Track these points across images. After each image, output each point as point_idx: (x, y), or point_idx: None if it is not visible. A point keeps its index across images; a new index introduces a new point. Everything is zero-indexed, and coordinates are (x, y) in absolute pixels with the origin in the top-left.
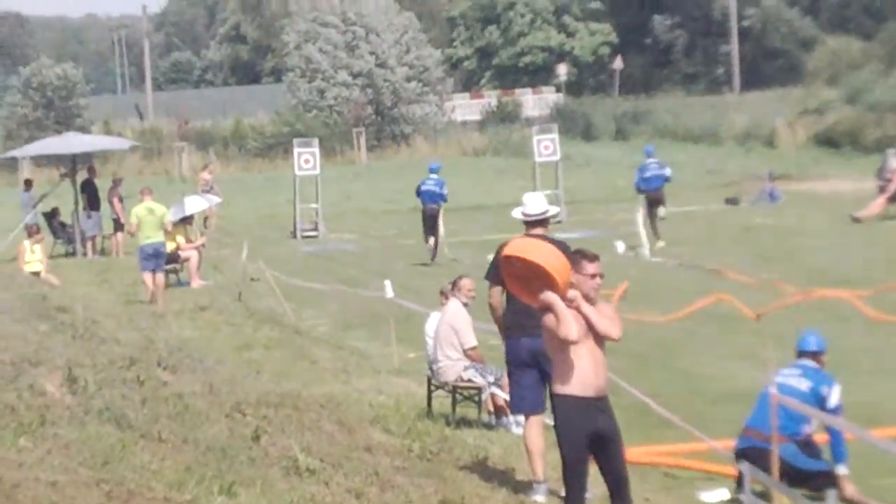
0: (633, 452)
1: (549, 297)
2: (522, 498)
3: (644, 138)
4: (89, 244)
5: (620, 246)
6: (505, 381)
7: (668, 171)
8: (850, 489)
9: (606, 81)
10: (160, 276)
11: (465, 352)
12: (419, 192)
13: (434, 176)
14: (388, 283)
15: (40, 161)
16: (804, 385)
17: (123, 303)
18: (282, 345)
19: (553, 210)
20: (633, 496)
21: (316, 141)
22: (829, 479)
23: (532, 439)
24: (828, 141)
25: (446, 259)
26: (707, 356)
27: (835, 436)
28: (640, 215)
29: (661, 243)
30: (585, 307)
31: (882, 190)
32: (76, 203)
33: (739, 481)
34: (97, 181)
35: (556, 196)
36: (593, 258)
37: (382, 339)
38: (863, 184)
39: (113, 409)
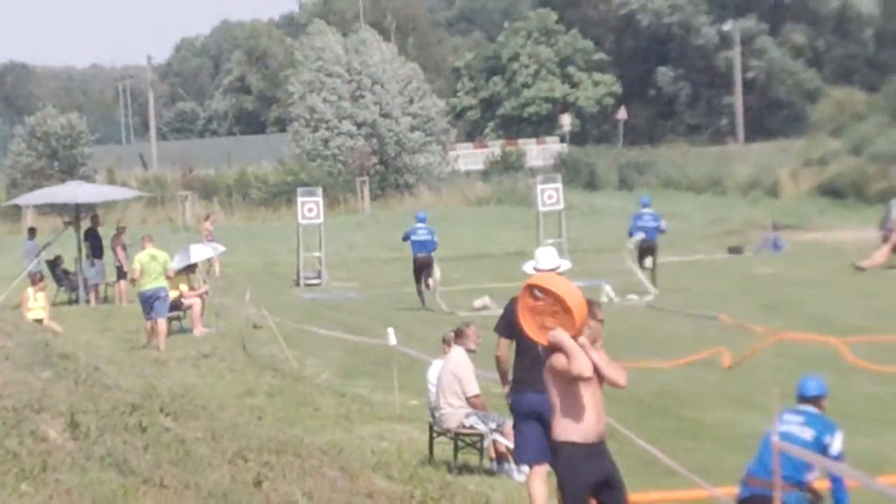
0: (637, 500)
1: (560, 334)
2: None
3: (648, 188)
4: (92, 292)
5: (610, 292)
6: (507, 428)
7: (663, 224)
8: None
9: (610, 132)
10: (162, 321)
11: (467, 399)
12: (409, 240)
13: (422, 225)
14: (391, 330)
15: (44, 209)
16: (807, 434)
17: (126, 350)
18: (284, 392)
19: (566, 265)
20: None
21: (319, 190)
22: None
23: (535, 488)
24: (831, 191)
25: (442, 308)
26: (710, 403)
27: (837, 483)
28: (635, 263)
29: (653, 288)
30: (594, 353)
31: (885, 240)
32: (79, 251)
33: None
34: (101, 229)
35: (559, 245)
36: (600, 305)
37: (385, 387)
38: (866, 234)
39: (115, 455)
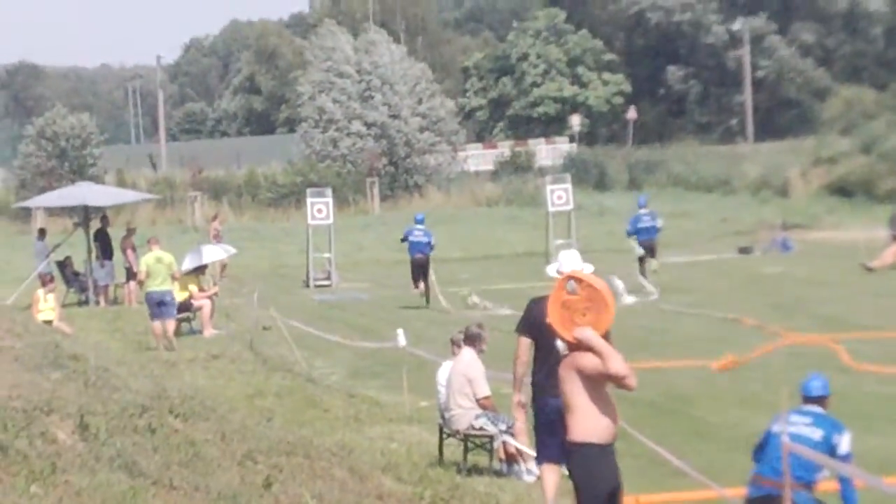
0: (646, 500)
1: (590, 333)
2: None
3: (657, 188)
4: (102, 294)
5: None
6: (517, 428)
7: (659, 222)
8: None
9: (620, 131)
10: (170, 323)
11: (478, 401)
12: (408, 242)
13: (421, 227)
14: (400, 331)
15: (54, 210)
16: (817, 434)
17: (135, 351)
18: (293, 393)
19: (588, 268)
20: None
21: (329, 191)
22: None
23: (547, 478)
24: (841, 190)
25: (444, 307)
26: (719, 403)
27: (845, 483)
28: (637, 265)
29: (650, 286)
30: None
31: (894, 239)
32: (89, 252)
33: None
34: (110, 230)
35: (569, 246)
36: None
37: (394, 388)
38: (876, 233)
39: (124, 457)
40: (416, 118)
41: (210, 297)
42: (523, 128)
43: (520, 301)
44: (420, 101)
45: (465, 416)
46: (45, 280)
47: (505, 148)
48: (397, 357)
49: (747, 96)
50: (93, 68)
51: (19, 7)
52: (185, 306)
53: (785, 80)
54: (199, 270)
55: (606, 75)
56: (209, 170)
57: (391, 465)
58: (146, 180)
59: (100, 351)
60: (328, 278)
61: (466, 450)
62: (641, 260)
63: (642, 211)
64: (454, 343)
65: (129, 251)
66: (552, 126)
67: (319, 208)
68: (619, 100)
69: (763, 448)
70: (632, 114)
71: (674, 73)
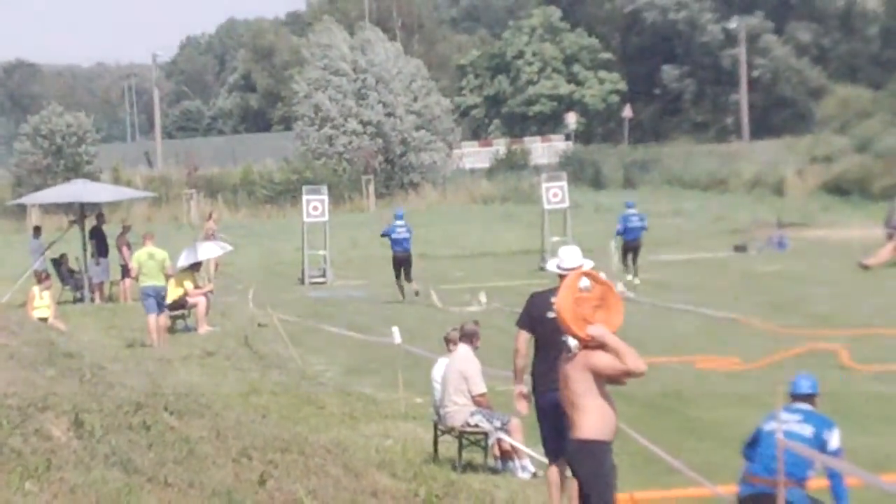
0: (640, 498)
1: (604, 330)
2: None
3: (653, 186)
4: (97, 291)
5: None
6: (512, 426)
7: (645, 222)
8: None
9: (615, 130)
10: (163, 318)
11: (473, 398)
12: (390, 238)
13: (401, 223)
14: (395, 328)
15: (49, 208)
16: (807, 431)
17: (130, 348)
18: (288, 390)
19: (588, 264)
20: None
21: (325, 188)
22: None
23: (551, 473)
24: (836, 189)
25: (437, 304)
26: (714, 402)
27: (835, 478)
28: (617, 258)
29: (638, 280)
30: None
31: (890, 237)
32: (84, 249)
33: None
34: (105, 228)
35: (565, 244)
36: None
37: (389, 385)
38: (871, 231)
39: (119, 454)
40: (411, 116)
41: (205, 295)
42: (519, 126)
43: (512, 298)
44: (415, 99)
45: (461, 412)
46: (41, 277)
47: (501, 146)
48: (392, 354)
49: (743, 95)
50: (89, 66)
51: (15, 5)
52: (181, 303)
53: (781, 79)
54: (195, 267)
55: (602, 73)
56: (205, 167)
57: (386, 462)
58: (142, 178)
59: (95, 348)
60: (323, 275)
61: (461, 446)
62: (625, 255)
63: (631, 211)
64: (449, 341)
65: (124, 248)
66: (548, 124)
67: (315, 206)
68: (614, 98)
69: (754, 446)
70: (627, 112)
71: (669, 71)
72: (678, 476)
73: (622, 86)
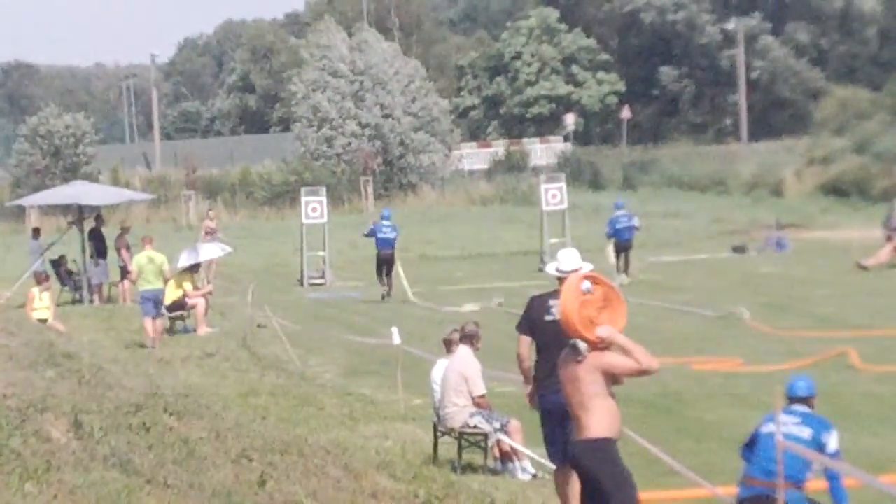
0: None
1: (613, 331)
2: None
3: (651, 187)
4: (96, 292)
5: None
6: (511, 427)
7: (636, 222)
8: None
9: (614, 131)
10: (159, 322)
11: (473, 399)
12: (374, 237)
13: (388, 222)
14: (394, 329)
15: (48, 209)
16: (805, 433)
17: (129, 349)
18: (288, 391)
19: (587, 266)
20: None
21: (323, 189)
22: None
23: (560, 477)
24: (835, 190)
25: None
26: (713, 403)
27: (834, 480)
28: (612, 258)
29: (627, 280)
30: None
31: (889, 238)
32: (83, 251)
33: None
34: (104, 229)
35: (563, 245)
36: None
37: (389, 386)
38: (870, 232)
39: (119, 455)
40: (409, 117)
41: (204, 296)
42: (517, 127)
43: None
44: (414, 100)
45: (460, 414)
46: (41, 279)
47: (499, 147)
48: (391, 355)
49: (741, 96)
50: (87, 67)
51: (13, 6)
52: (180, 304)
53: (779, 80)
54: (194, 269)
55: (600, 75)
56: (203, 168)
57: (385, 464)
58: (140, 179)
59: (94, 349)
60: (322, 277)
61: (461, 448)
62: (617, 255)
63: (619, 212)
64: (447, 342)
65: (123, 250)
66: (546, 125)
67: (314, 207)
68: (612, 99)
69: (752, 448)
70: (626, 113)
71: (668, 72)
72: (678, 477)
73: (620, 87)
